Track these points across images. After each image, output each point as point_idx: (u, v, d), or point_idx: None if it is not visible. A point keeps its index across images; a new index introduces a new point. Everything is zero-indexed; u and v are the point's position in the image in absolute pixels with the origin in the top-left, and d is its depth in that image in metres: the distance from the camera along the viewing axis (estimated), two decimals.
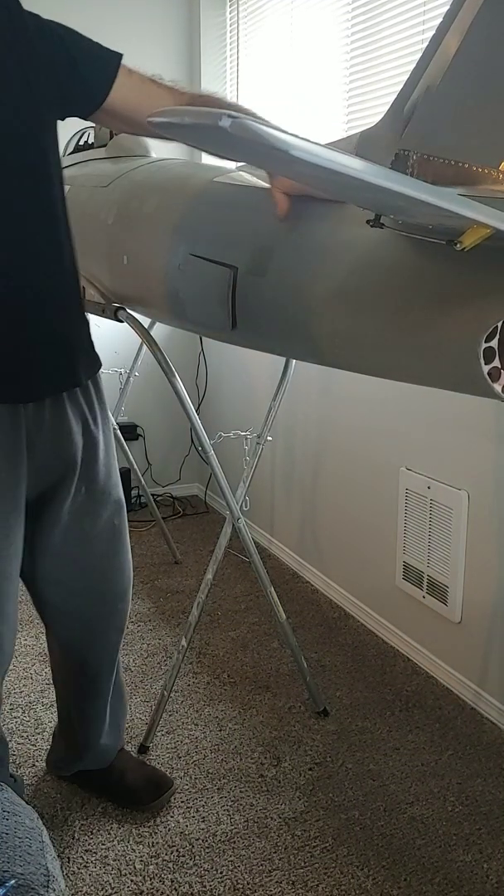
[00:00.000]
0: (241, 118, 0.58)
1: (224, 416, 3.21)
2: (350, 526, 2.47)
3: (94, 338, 1.40)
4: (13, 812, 0.97)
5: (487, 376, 0.85)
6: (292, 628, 1.99)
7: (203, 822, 1.62)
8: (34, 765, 1.78)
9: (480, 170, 0.88)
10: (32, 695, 2.04)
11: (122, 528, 1.49)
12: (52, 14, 1.25)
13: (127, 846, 1.56)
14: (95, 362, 1.40)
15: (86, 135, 2.18)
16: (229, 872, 1.49)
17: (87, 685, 1.59)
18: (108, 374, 2.37)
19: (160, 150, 1.99)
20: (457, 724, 1.94)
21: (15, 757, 1.80)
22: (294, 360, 1.94)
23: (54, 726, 1.74)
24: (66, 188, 1.31)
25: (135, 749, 1.82)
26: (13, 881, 0.85)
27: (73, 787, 1.71)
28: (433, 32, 0.87)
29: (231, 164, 1.69)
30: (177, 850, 1.54)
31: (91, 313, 1.40)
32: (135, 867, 1.50)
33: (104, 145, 2.04)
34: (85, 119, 1.33)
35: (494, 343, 0.85)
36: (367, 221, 0.93)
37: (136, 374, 2.78)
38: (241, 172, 1.43)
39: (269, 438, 1.98)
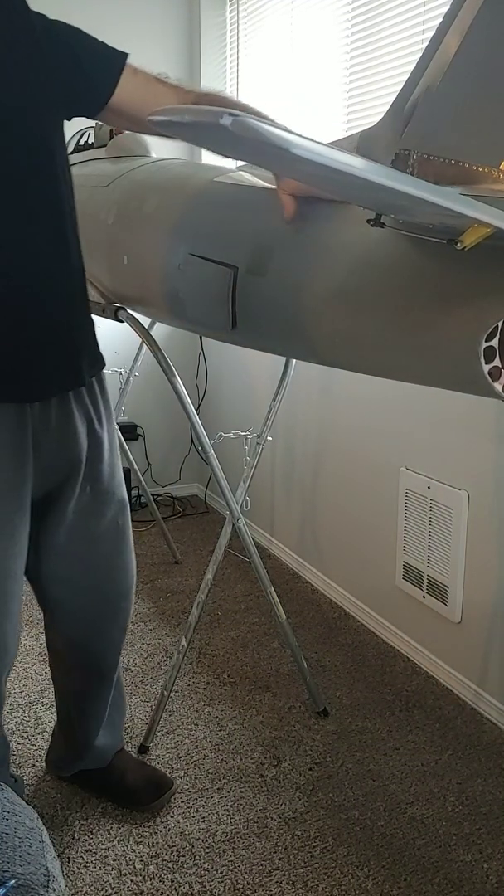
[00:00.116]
0: (242, 116, 0.58)
1: (224, 416, 3.21)
2: (350, 526, 2.47)
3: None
4: (13, 812, 0.97)
5: (488, 375, 0.85)
6: (292, 628, 1.99)
7: (203, 822, 1.62)
8: (34, 765, 1.78)
9: (481, 169, 0.88)
10: (32, 695, 2.04)
11: (127, 527, 1.50)
12: (53, 14, 1.24)
13: (127, 846, 1.55)
14: (99, 361, 1.40)
15: (86, 135, 2.18)
16: (229, 872, 1.49)
17: (89, 683, 1.59)
18: (109, 374, 2.37)
19: (160, 150, 1.99)
20: (457, 724, 1.94)
21: (15, 757, 1.80)
22: (294, 360, 1.94)
23: (54, 725, 1.74)
24: None
25: (135, 749, 1.82)
26: (13, 881, 0.85)
27: (73, 787, 1.71)
28: (433, 32, 0.87)
29: (231, 164, 1.69)
30: (177, 850, 1.54)
31: (91, 313, 1.40)
32: (135, 867, 1.50)
33: (104, 145, 2.04)
34: (91, 119, 1.33)
35: (495, 342, 0.85)
36: (368, 221, 0.93)
37: (136, 374, 2.78)
38: (241, 172, 1.43)
39: (269, 438, 1.98)
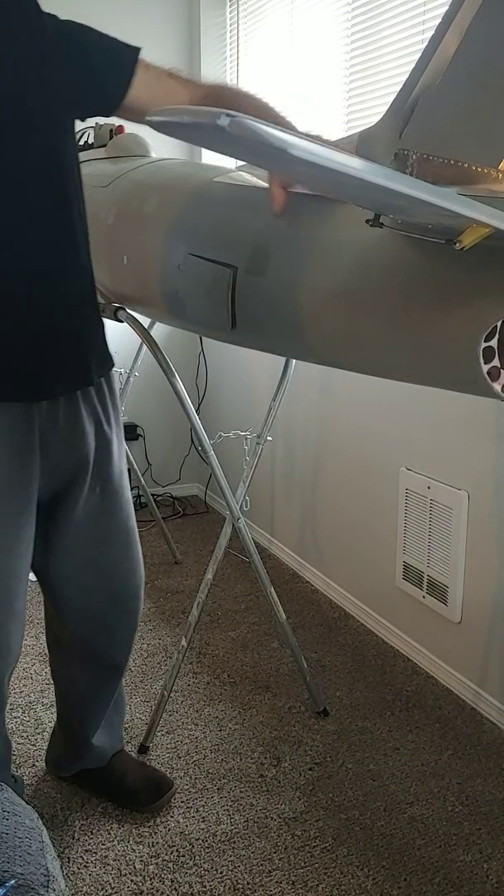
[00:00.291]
0: (239, 117, 0.57)
1: (224, 416, 3.21)
2: (350, 526, 2.47)
3: None
4: (13, 812, 0.97)
5: (487, 375, 0.85)
6: (292, 628, 1.99)
7: (203, 822, 1.62)
8: (34, 765, 1.78)
9: (480, 169, 0.88)
10: (32, 695, 2.04)
11: (135, 528, 1.50)
12: (53, 13, 1.24)
13: (127, 846, 1.55)
14: (108, 361, 1.40)
15: (86, 135, 2.18)
16: (229, 872, 1.49)
17: (96, 681, 1.59)
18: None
19: (160, 149, 1.99)
20: (457, 724, 1.94)
21: (15, 757, 1.80)
22: (294, 360, 1.94)
23: (54, 725, 1.74)
24: None
25: (135, 749, 1.82)
26: (13, 881, 0.85)
27: (73, 787, 1.71)
28: (433, 32, 0.87)
29: (231, 164, 1.69)
30: (177, 850, 1.54)
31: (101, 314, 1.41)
32: (135, 867, 1.50)
33: (104, 145, 2.03)
34: (106, 117, 1.33)
35: (494, 342, 0.85)
36: (367, 221, 0.93)
37: (136, 374, 2.78)
38: (241, 172, 1.43)
39: (269, 438, 1.98)
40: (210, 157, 3.01)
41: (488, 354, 0.85)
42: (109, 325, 1.71)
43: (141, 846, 1.55)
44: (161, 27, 3.15)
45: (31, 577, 1.41)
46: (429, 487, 2.06)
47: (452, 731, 1.91)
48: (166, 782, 1.68)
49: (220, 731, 1.91)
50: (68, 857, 1.53)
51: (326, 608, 2.55)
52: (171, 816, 1.63)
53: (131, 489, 1.49)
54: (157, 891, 1.45)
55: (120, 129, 2.02)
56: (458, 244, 0.81)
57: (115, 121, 1.44)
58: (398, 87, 0.91)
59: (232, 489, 1.82)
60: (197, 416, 1.75)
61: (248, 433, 1.96)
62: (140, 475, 2.90)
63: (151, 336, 1.68)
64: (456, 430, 1.97)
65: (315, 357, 1.16)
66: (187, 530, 3.22)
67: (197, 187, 1.46)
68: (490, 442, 1.86)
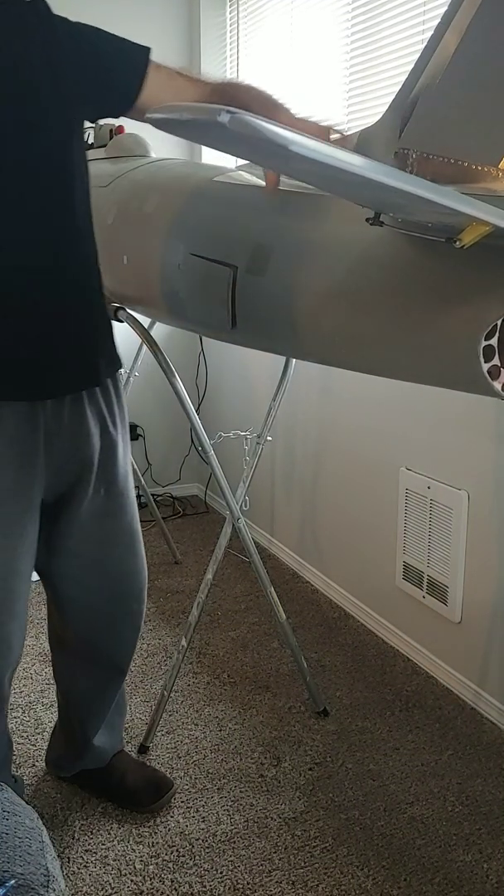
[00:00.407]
0: (240, 114, 0.57)
1: (224, 416, 3.21)
2: (350, 526, 2.47)
3: None
4: (13, 812, 0.97)
5: (487, 374, 0.85)
6: (292, 628, 1.99)
7: (203, 822, 1.62)
8: (34, 765, 1.78)
9: (479, 168, 0.88)
10: (32, 695, 2.04)
11: (139, 530, 1.50)
12: (54, 12, 1.24)
13: (127, 846, 1.55)
14: (115, 361, 1.40)
15: (86, 135, 2.18)
16: (229, 872, 1.49)
17: (98, 680, 1.59)
18: None
19: (160, 149, 1.99)
20: (457, 724, 1.94)
21: (15, 757, 1.79)
22: (294, 360, 1.94)
23: (54, 724, 1.74)
24: None
25: (135, 749, 1.82)
26: (13, 881, 0.85)
27: (73, 787, 1.71)
28: (432, 32, 0.87)
29: (231, 164, 1.69)
30: (177, 850, 1.54)
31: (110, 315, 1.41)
32: (135, 867, 1.50)
33: (104, 145, 2.04)
34: (116, 118, 1.33)
35: (494, 341, 0.85)
36: (367, 219, 0.93)
37: (136, 374, 2.78)
38: (241, 172, 1.43)
39: (269, 438, 1.98)
40: (210, 157, 3.01)
41: (488, 353, 0.85)
42: None
43: (141, 846, 1.55)
44: (161, 27, 3.15)
45: (34, 577, 1.41)
46: (429, 487, 2.06)
47: (452, 731, 1.91)
48: (166, 782, 1.68)
49: (220, 731, 1.91)
50: (68, 857, 1.52)
51: (326, 608, 2.55)
52: (171, 816, 1.63)
53: None
54: (157, 891, 1.45)
55: (120, 129, 2.02)
56: (458, 242, 0.81)
57: (115, 121, 1.44)
58: (398, 87, 0.91)
59: (232, 489, 1.82)
60: (197, 416, 1.75)
61: (248, 433, 1.96)
62: (140, 475, 2.90)
63: (151, 336, 1.67)
64: (456, 430, 1.97)
65: (315, 356, 1.16)
66: (187, 530, 3.22)
67: (197, 187, 1.46)
68: (490, 442, 1.86)
